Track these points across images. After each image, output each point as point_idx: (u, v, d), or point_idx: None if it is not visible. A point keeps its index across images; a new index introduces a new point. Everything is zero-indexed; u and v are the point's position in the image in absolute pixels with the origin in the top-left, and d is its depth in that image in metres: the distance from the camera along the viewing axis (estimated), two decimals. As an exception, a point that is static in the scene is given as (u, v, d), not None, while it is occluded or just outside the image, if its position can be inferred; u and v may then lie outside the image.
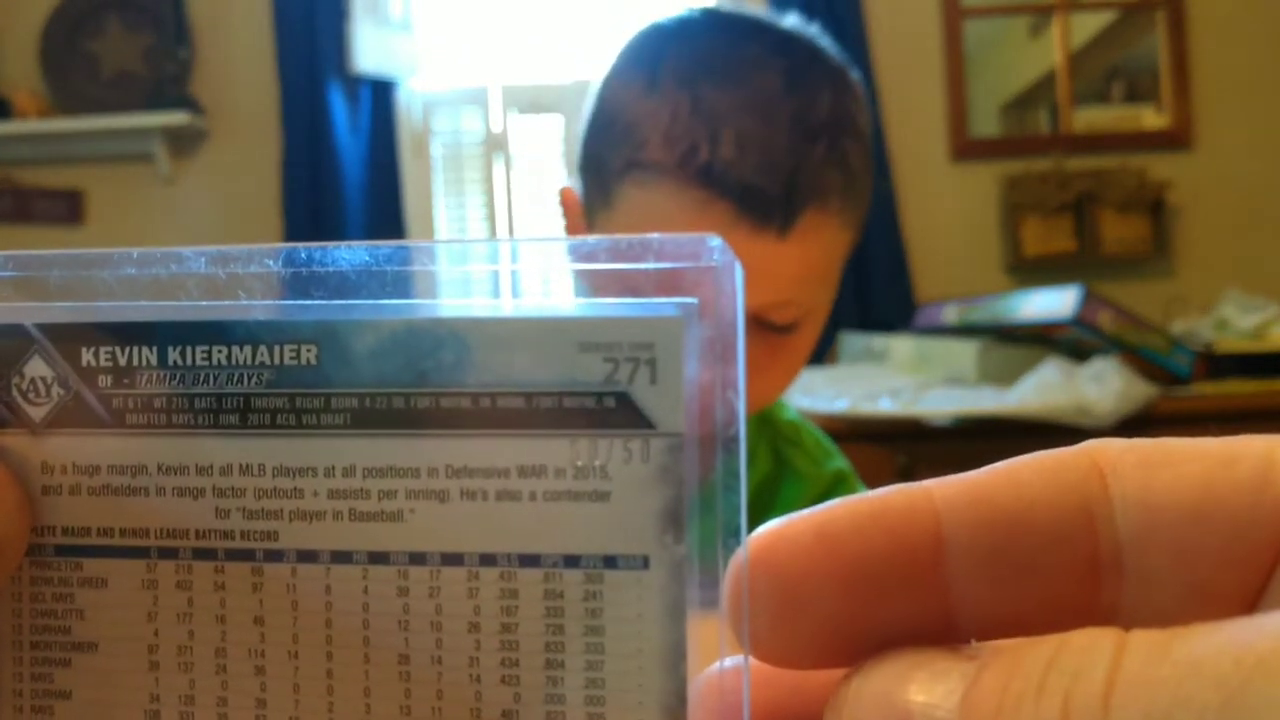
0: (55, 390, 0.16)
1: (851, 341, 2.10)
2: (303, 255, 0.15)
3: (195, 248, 0.16)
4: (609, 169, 0.65)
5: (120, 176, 2.40)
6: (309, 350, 0.15)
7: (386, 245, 0.15)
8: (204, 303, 0.16)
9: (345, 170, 2.32)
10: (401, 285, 0.15)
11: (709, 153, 0.60)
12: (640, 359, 0.14)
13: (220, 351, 0.16)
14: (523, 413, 0.15)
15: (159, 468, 0.16)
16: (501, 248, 0.16)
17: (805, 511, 0.15)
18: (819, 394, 1.69)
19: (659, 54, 0.65)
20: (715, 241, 0.14)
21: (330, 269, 0.15)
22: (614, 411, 0.14)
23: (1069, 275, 2.13)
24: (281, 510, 0.16)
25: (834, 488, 0.75)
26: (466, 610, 0.15)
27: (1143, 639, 0.12)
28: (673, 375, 0.14)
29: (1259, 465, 0.14)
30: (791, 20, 0.68)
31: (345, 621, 0.16)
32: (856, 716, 0.14)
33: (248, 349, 0.16)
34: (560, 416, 0.14)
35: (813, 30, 0.68)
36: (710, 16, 0.67)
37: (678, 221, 0.62)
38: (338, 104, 2.32)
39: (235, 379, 0.16)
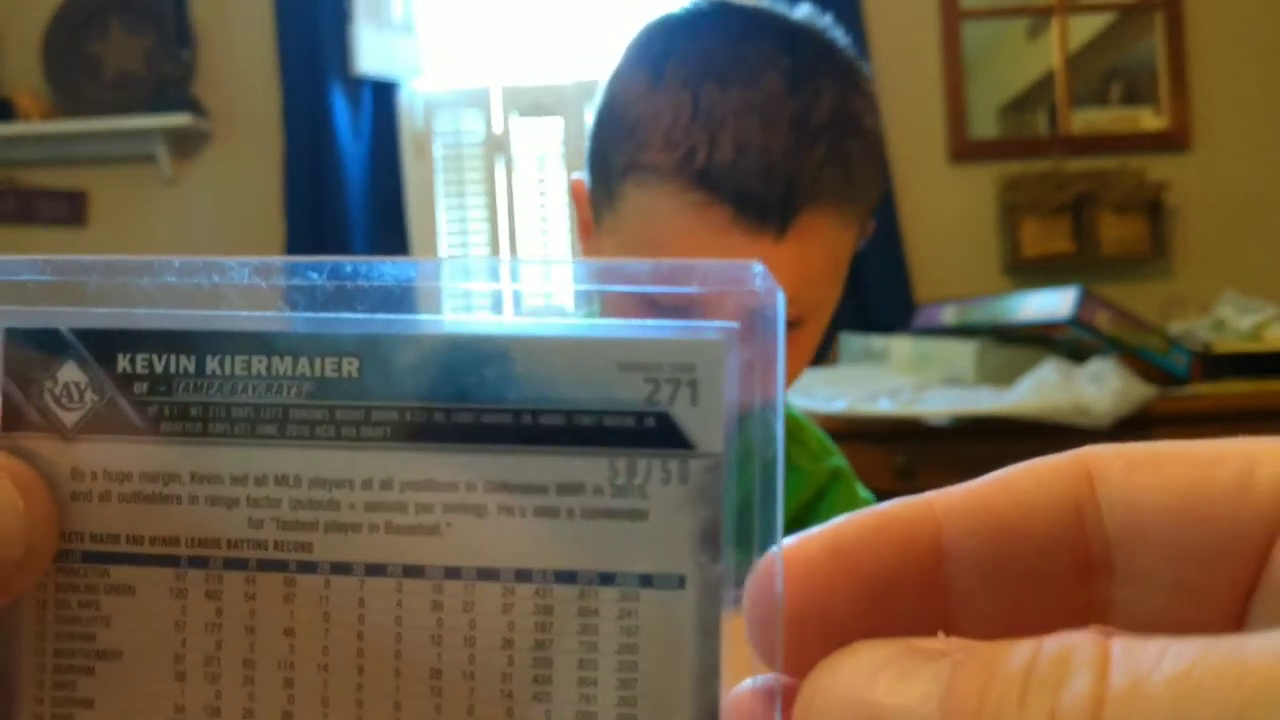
0: (88, 396, 0.16)
1: (850, 342, 2.10)
2: (348, 269, 0.15)
3: (239, 258, 0.16)
4: (612, 167, 0.67)
5: (122, 178, 2.40)
6: (350, 363, 0.15)
7: (431, 261, 0.15)
8: (245, 313, 0.16)
9: (347, 171, 2.33)
10: (444, 301, 0.15)
11: (707, 156, 0.61)
12: (681, 380, 0.14)
13: (260, 362, 0.16)
14: (563, 430, 0.14)
15: (192, 476, 0.16)
16: (548, 269, 0.15)
17: (815, 529, 0.15)
18: (818, 394, 1.69)
19: (665, 50, 0.66)
20: (758, 268, 0.14)
21: (375, 283, 0.15)
22: (654, 431, 0.14)
23: (1067, 276, 2.13)
24: (317, 521, 0.16)
25: (830, 485, 0.76)
26: (500, 626, 0.15)
27: (1126, 649, 0.12)
28: (713, 397, 0.14)
29: (1241, 467, 0.14)
30: (803, 10, 0.68)
31: (377, 635, 0.16)
32: (826, 717, 0.14)
33: (288, 360, 0.16)
34: (600, 435, 0.14)
35: (824, 22, 0.68)
36: (719, 10, 0.68)
37: (677, 223, 0.63)
38: (339, 105, 2.33)
39: (274, 390, 0.16)
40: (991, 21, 2.45)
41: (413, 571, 0.15)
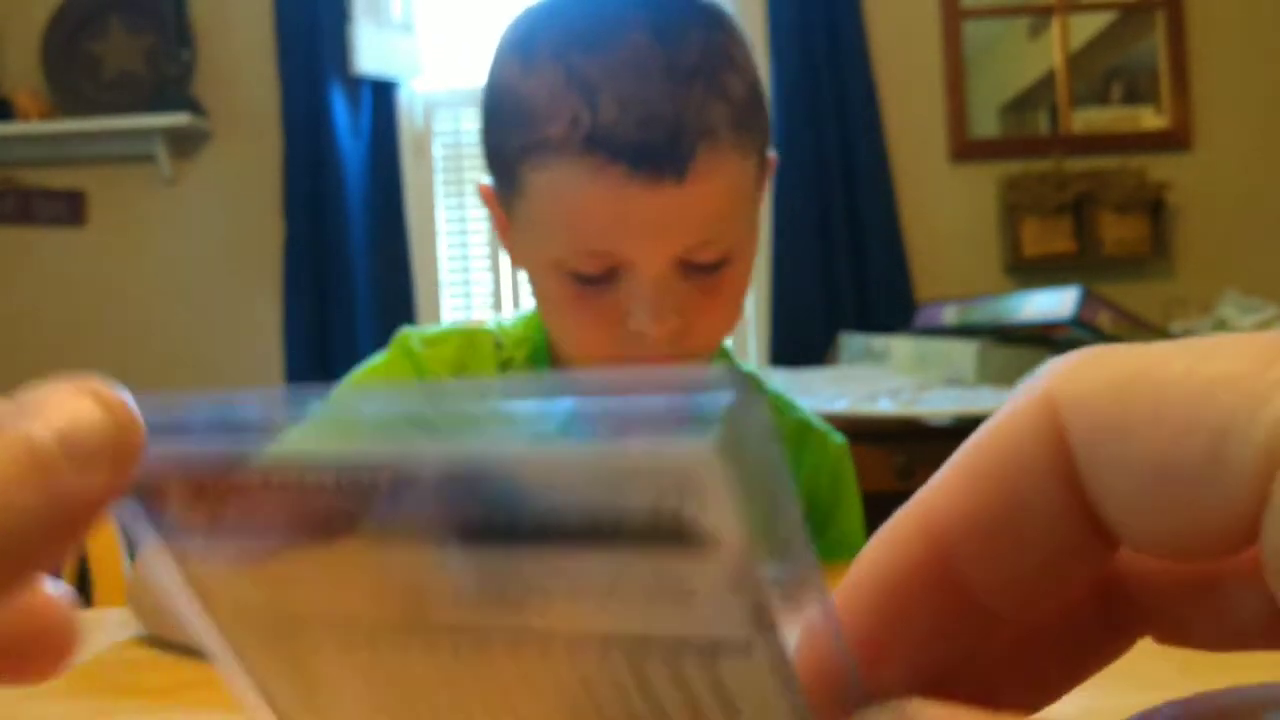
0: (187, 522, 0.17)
1: (851, 342, 2.10)
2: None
3: (260, 389, 0.17)
4: (507, 158, 0.69)
5: (122, 177, 2.40)
6: (380, 472, 0.16)
7: (434, 392, 0.16)
8: (258, 444, 0.17)
9: (346, 171, 2.33)
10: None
11: (590, 120, 0.63)
12: (685, 484, 0.13)
13: (291, 474, 0.16)
14: (584, 538, 0.14)
15: (294, 569, 0.17)
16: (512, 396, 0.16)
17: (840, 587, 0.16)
18: (819, 394, 1.69)
19: (530, 34, 0.68)
20: (714, 374, 0.13)
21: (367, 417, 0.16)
22: (674, 531, 0.14)
23: (1068, 276, 2.14)
24: (415, 603, 0.17)
25: (802, 441, 0.80)
26: (607, 678, 0.16)
27: None
28: (721, 493, 0.13)
29: (1210, 440, 0.13)
30: None
31: (514, 686, 0.17)
32: None
33: (317, 474, 0.16)
34: (624, 537, 0.14)
35: None
36: None
37: (580, 192, 0.64)
38: (339, 105, 2.33)
39: (320, 495, 0.16)
40: (992, 21, 2.45)
41: (510, 639, 0.16)
